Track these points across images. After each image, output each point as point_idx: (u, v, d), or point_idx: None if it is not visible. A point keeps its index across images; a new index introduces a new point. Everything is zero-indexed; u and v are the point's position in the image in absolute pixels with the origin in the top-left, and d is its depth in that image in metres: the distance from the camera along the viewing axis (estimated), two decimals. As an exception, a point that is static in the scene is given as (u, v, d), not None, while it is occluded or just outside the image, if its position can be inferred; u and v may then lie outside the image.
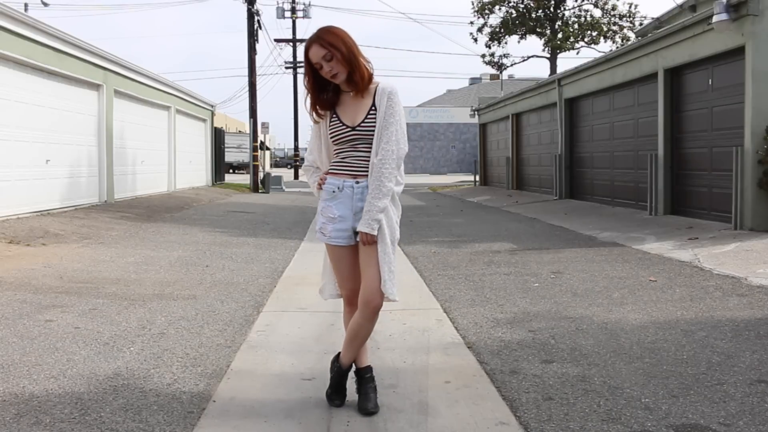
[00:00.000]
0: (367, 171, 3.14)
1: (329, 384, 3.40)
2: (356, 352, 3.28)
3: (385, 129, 3.09)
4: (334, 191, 3.16)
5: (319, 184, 3.23)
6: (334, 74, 3.06)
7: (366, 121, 3.12)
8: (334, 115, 3.18)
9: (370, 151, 3.13)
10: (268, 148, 36.47)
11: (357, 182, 3.14)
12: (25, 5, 32.54)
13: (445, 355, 4.22)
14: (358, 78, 3.09)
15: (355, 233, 3.14)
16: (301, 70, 39.65)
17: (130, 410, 3.25)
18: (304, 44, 3.17)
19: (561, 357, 4.14)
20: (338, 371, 3.35)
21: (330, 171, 3.22)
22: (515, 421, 3.15)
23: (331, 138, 3.19)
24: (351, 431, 3.05)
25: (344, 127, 3.13)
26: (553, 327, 4.88)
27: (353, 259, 3.19)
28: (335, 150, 3.22)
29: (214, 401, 3.39)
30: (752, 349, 4.26)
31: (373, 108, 3.13)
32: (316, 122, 3.22)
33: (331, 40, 3.04)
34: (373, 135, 3.13)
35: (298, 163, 41.85)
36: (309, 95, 3.17)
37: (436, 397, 3.43)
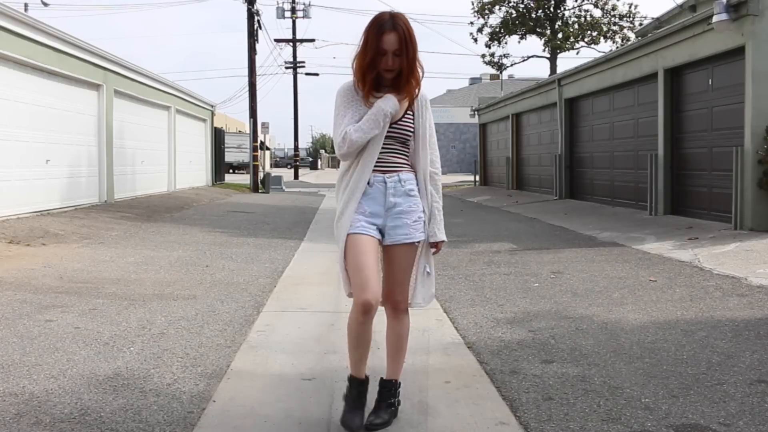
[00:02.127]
0: (397, 168, 3.07)
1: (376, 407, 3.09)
2: (402, 361, 3.16)
3: (432, 138, 3.16)
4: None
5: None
6: (394, 69, 2.93)
7: (404, 121, 3.07)
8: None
9: (401, 150, 3.09)
10: (268, 148, 36.48)
11: (389, 177, 3.05)
12: (25, 5, 32.53)
13: (445, 355, 4.22)
14: (414, 85, 2.99)
15: (383, 235, 3.04)
16: (301, 71, 39.89)
17: (130, 410, 3.25)
18: (374, 21, 2.93)
19: (561, 357, 4.14)
20: (383, 385, 3.14)
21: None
22: (515, 421, 3.15)
23: None
24: (351, 431, 3.05)
25: None
26: (553, 327, 4.88)
27: (376, 257, 3.03)
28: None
29: (214, 401, 3.39)
30: (752, 349, 4.26)
31: (410, 111, 3.08)
32: (369, 105, 2.98)
33: (407, 36, 2.90)
34: (407, 137, 3.09)
35: (298, 163, 41.87)
36: (365, 75, 2.95)
37: (436, 397, 3.43)
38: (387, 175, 3.05)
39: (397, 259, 3.05)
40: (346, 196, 3.04)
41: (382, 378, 3.16)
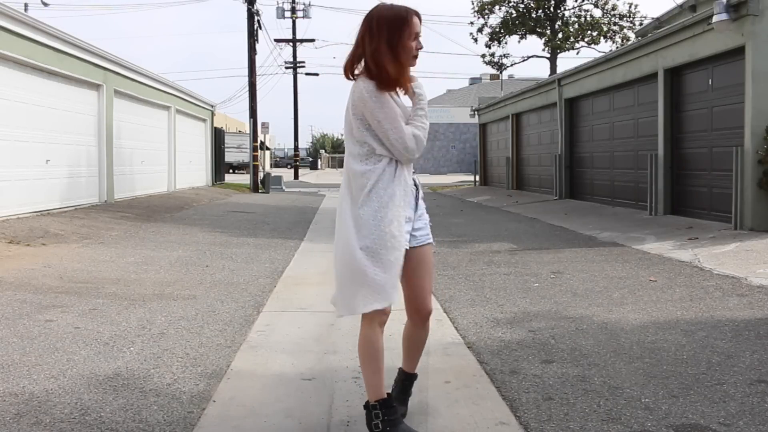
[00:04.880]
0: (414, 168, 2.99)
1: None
2: (418, 358, 3.13)
3: None
4: None
5: None
6: (416, 56, 2.85)
7: None
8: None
9: None
10: (268, 148, 36.47)
11: (415, 177, 2.97)
12: (25, 5, 32.55)
13: (445, 355, 4.22)
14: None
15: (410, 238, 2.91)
16: (301, 71, 39.88)
17: (130, 410, 3.25)
18: (403, 9, 2.81)
19: (561, 357, 4.14)
20: (405, 378, 3.13)
21: None
22: (515, 421, 3.15)
23: None
24: (351, 431, 3.05)
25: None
26: (553, 327, 4.88)
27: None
28: None
29: (214, 401, 3.39)
30: (752, 349, 4.26)
31: None
32: (409, 94, 2.89)
33: None
34: None
35: (298, 163, 41.86)
36: (409, 63, 2.82)
37: (436, 397, 3.43)
38: (415, 175, 2.97)
39: (424, 259, 2.96)
40: (398, 202, 2.79)
41: (404, 371, 3.14)
